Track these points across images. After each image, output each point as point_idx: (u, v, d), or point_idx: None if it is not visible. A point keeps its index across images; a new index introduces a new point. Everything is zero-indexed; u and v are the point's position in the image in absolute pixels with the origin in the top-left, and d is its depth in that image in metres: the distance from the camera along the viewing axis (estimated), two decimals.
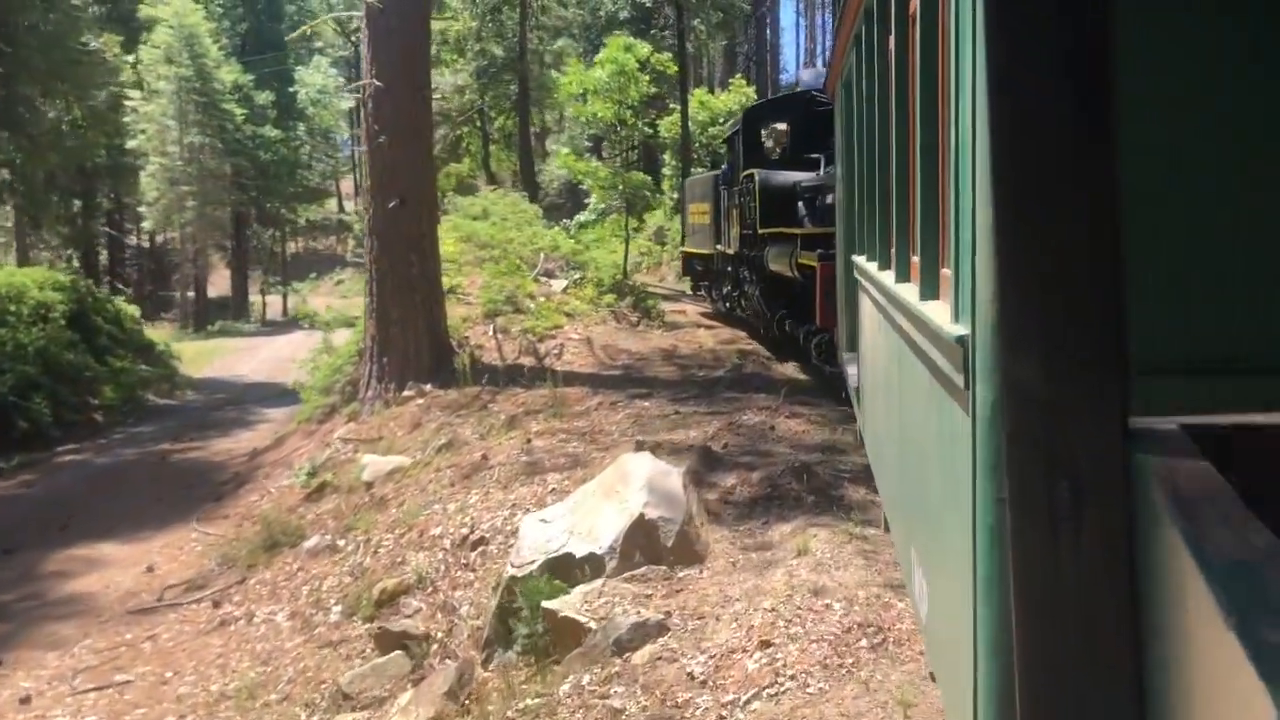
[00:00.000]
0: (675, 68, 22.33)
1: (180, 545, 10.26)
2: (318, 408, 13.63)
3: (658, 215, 23.36)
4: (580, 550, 6.03)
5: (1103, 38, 1.26)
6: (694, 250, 19.97)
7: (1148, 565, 1.19)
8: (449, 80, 29.92)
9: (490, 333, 14.31)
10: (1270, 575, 0.89)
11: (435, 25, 29.53)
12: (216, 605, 8.41)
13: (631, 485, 6.27)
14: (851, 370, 6.62)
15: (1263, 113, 1.89)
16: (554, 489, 7.81)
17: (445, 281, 15.67)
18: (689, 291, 21.60)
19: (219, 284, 59.60)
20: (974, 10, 1.87)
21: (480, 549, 7.35)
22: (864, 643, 4.59)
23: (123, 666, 7.63)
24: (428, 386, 12.68)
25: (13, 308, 19.44)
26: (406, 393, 12.65)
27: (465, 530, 7.61)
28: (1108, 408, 1.25)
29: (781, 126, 13.89)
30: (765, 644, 4.71)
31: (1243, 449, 1.58)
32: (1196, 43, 1.89)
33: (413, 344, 13.18)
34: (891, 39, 3.89)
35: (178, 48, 41.55)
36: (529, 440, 9.49)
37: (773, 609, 4.98)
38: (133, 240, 57.24)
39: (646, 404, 10.63)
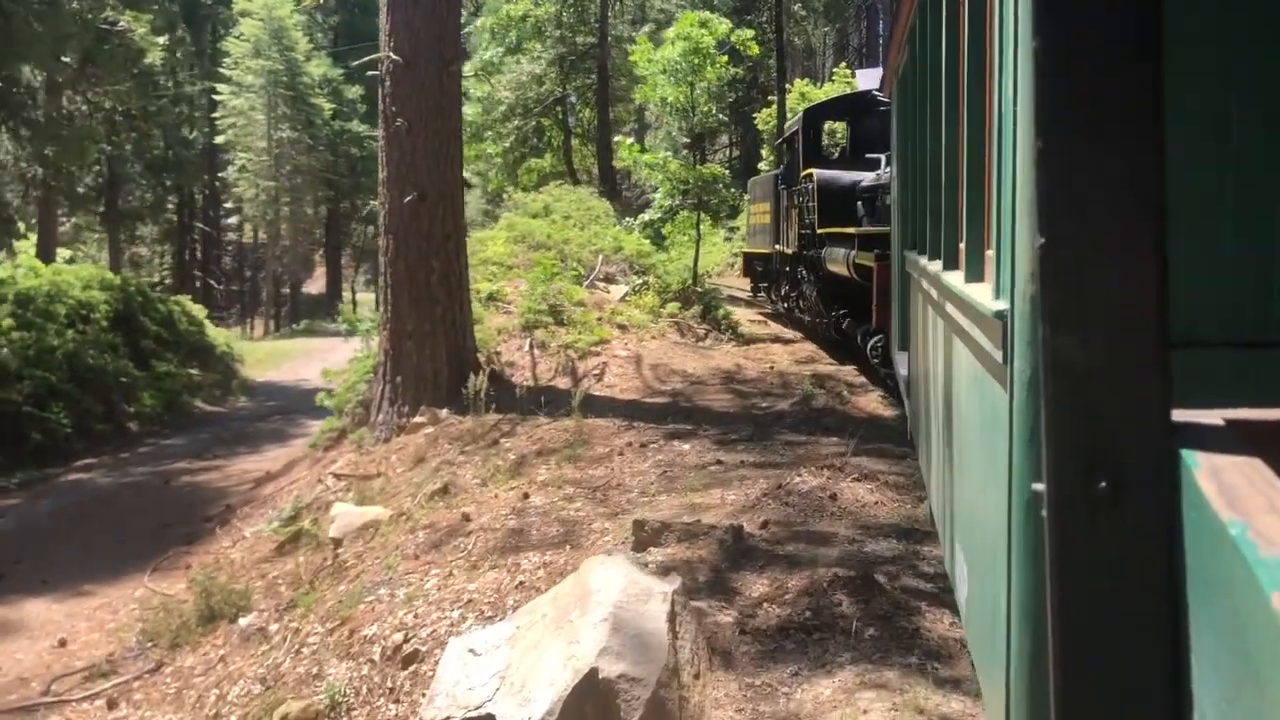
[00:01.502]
0: (756, 48, 20.04)
1: (119, 606, 8.57)
2: (328, 431, 11.90)
3: (743, 217, 21.22)
4: (506, 715, 3.99)
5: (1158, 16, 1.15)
6: (754, 250, 19.61)
7: (1190, 551, 1.12)
8: (527, 69, 28.13)
9: (526, 348, 12.37)
10: None
11: (509, 8, 27.86)
12: (111, 707, 6.62)
13: (590, 614, 4.18)
14: (902, 367, 6.79)
15: None
16: (522, 582, 5.77)
17: (485, 287, 13.82)
18: (750, 293, 21.02)
19: (318, 282, 59.50)
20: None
21: (413, 668, 5.36)
22: None
23: None
24: (444, 412, 10.80)
25: (48, 308, 18.35)
26: (418, 418, 10.80)
27: (401, 636, 5.63)
28: (1149, 383, 1.18)
29: (841, 126, 14.21)
30: None
31: None
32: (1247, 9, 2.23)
33: (431, 361, 11.32)
34: (944, 31, 3.92)
35: (266, 40, 40.96)
36: (526, 495, 7.49)
37: None
38: (233, 236, 57.50)
39: (685, 446, 8.53)
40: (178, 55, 34.06)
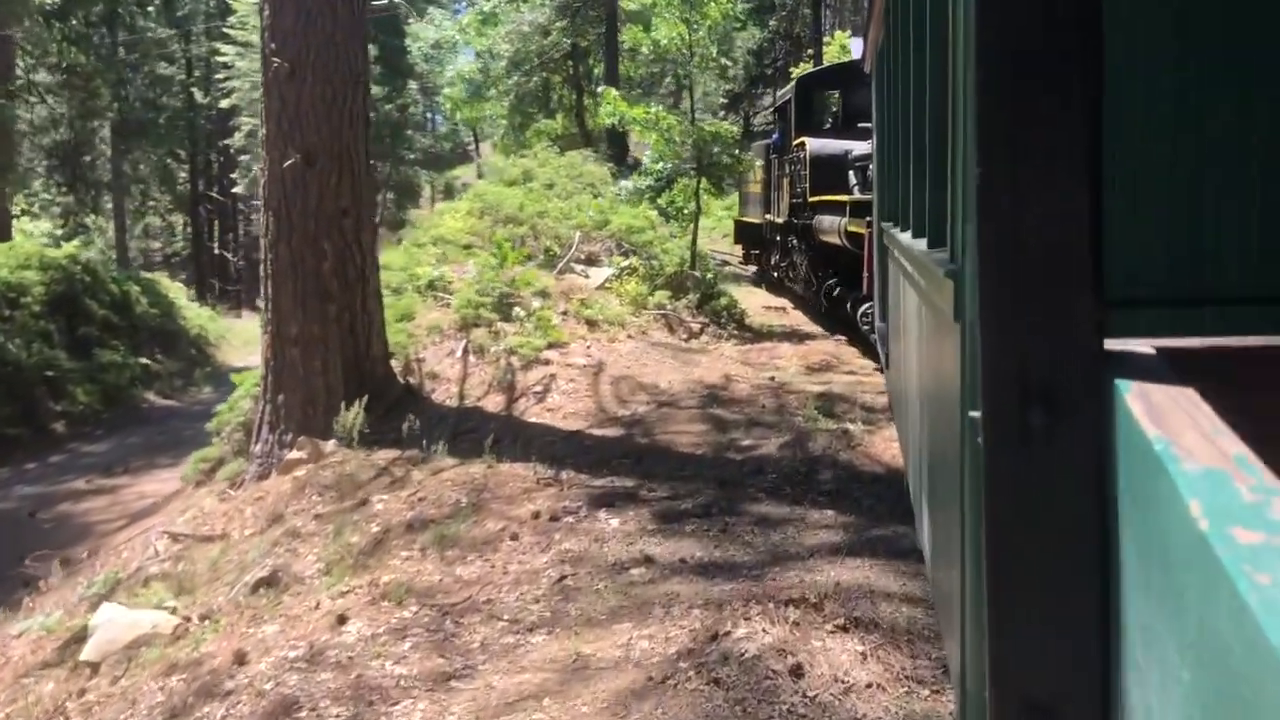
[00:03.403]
0: None
1: None
2: (201, 462, 9.39)
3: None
4: None
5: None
6: (746, 219, 19.73)
7: (1121, 473, 1.19)
8: (528, 18, 25.19)
9: (459, 353, 9.74)
10: (1240, 481, 0.89)
11: None
12: None
13: None
14: (884, 337, 6.83)
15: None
16: None
17: (424, 273, 11.20)
18: (740, 261, 21.38)
19: None
20: None
21: None
22: None
23: None
24: (329, 444, 8.25)
25: None
26: (295, 452, 8.26)
27: None
28: (1082, 325, 1.26)
29: (834, 95, 14.39)
30: None
31: (1216, 370, 1.54)
32: None
33: (322, 375, 8.75)
34: (912, 8, 3.97)
35: None
36: (344, 620, 4.92)
37: None
38: (256, 204, 55.38)
39: (613, 523, 5.88)
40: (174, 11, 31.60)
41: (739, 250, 21.63)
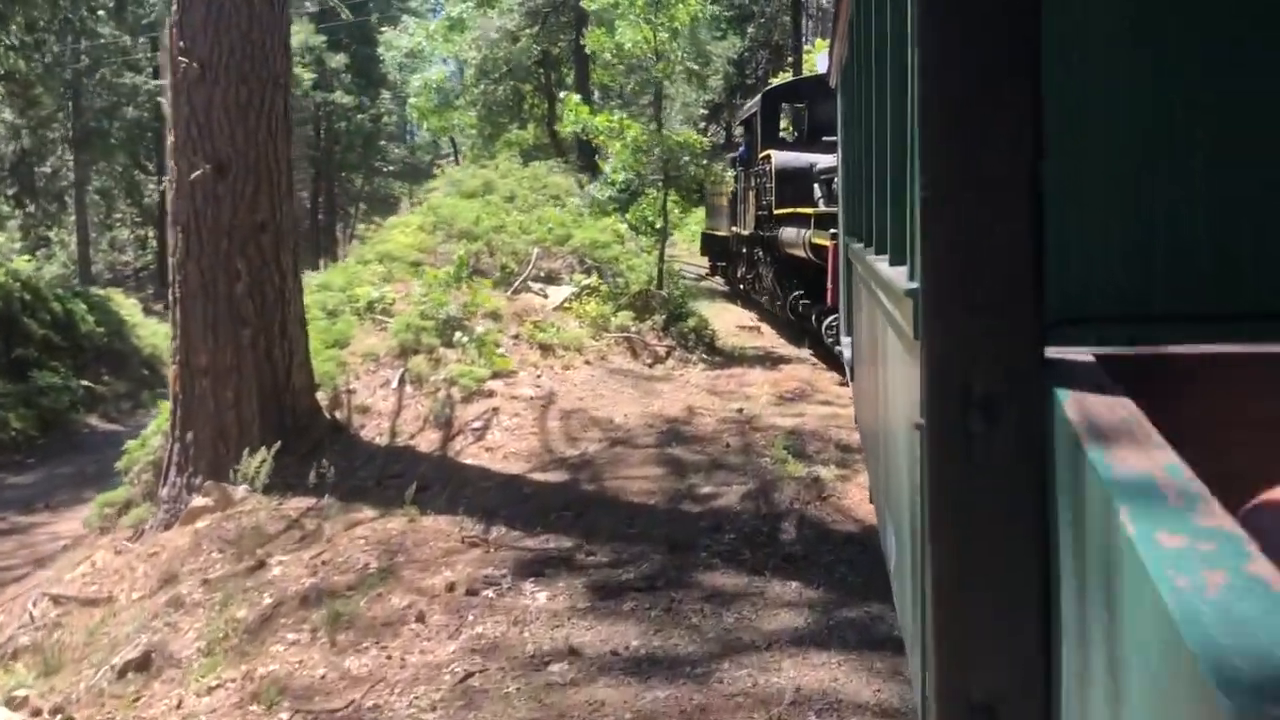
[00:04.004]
0: None
1: None
2: (106, 506, 8.45)
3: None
4: None
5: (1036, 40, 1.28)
6: (712, 231, 19.95)
7: (1058, 479, 1.20)
8: (496, 23, 24.23)
9: (394, 384, 8.84)
10: (1167, 488, 0.91)
11: None
12: None
13: None
14: (848, 350, 6.87)
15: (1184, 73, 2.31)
16: None
17: (364, 293, 10.31)
18: (707, 273, 21.68)
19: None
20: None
21: None
22: None
23: None
24: (239, 489, 7.35)
25: None
26: (199, 500, 7.34)
27: None
28: (1023, 336, 1.28)
29: (800, 108, 14.10)
30: None
31: (1156, 377, 1.59)
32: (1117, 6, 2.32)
33: (235, 409, 7.84)
34: (873, 27, 3.97)
35: None
36: None
37: None
38: None
39: (539, 599, 5.00)
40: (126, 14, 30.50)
41: (706, 262, 22.06)
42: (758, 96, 15.58)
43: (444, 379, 8.80)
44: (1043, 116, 1.26)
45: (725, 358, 11.75)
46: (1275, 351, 1.64)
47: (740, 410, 8.86)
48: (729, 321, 14.79)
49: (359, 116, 40.72)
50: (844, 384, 9.65)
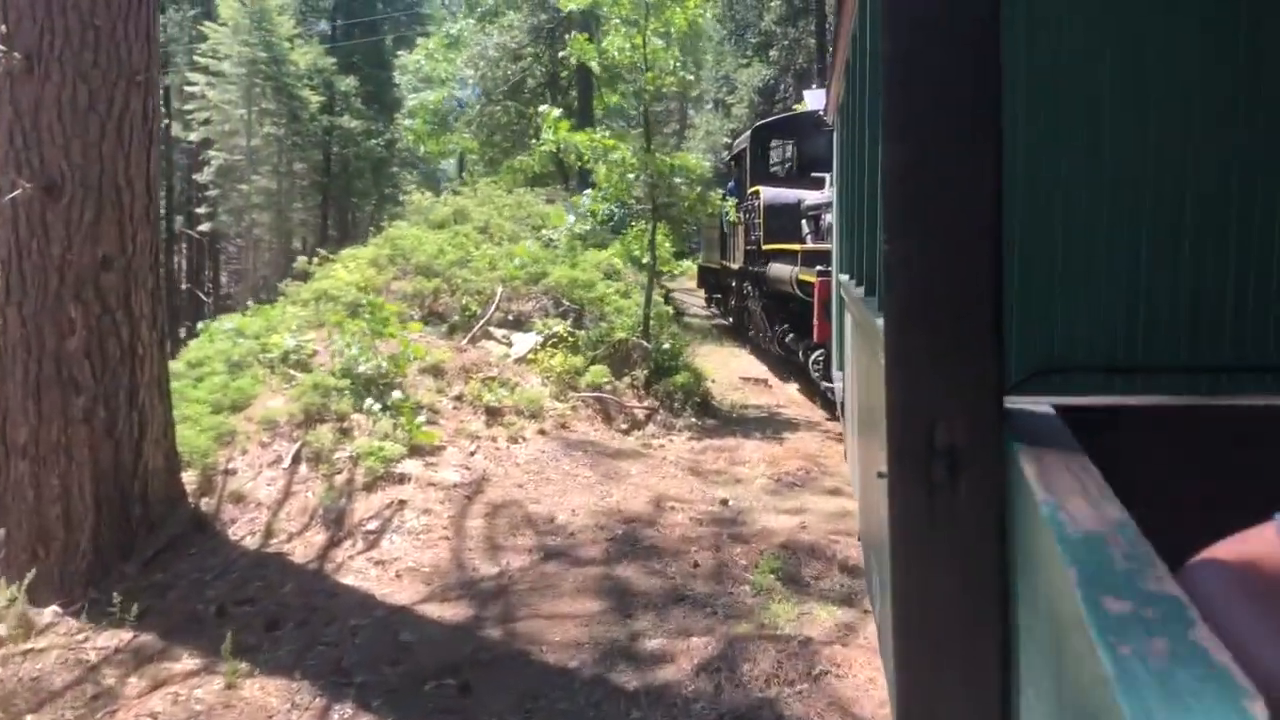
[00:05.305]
0: None
1: None
2: None
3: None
4: None
5: (996, 83, 1.30)
6: (708, 264, 20.37)
7: (1017, 531, 1.20)
8: (496, 40, 22.50)
9: (286, 462, 6.99)
10: (1116, 548, 0.92)
11: None
12: None
13: None
14: (839, 385, 7.05)
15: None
16: None
17: (279, 343, 8.51)
18: (705, 306, 22.10)
19: None
20: None
21: None
22: None
23: None
24: (48, 611, 5.56)
25: None
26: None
27: None
28: (981, 373, 1.27)
29: (789, 144, 14.46)
30: None
31: (1113, 428, 1.58)
32: (1075, 66, 2.43)
33: (62, 500, 6.03)
34: (868, 69, 3.98)
35: (247, 25, 36.24)
36: None
37: None
38: (240, 244, 52.95)
39: None
40: None
41: (704, 294, 22.62)
42: (748, 131, 15.71)
43: (351, 455, 6.96)
44: (1002, 174, 1.26)
45: (719, 421, 9.83)
46: (1233, 404, 1.73)
47: (725, 502, 6.97)
48: (733, 371, 12.89)
49: (369, 142, 39.23)
50: (834, 419, 9.72)
